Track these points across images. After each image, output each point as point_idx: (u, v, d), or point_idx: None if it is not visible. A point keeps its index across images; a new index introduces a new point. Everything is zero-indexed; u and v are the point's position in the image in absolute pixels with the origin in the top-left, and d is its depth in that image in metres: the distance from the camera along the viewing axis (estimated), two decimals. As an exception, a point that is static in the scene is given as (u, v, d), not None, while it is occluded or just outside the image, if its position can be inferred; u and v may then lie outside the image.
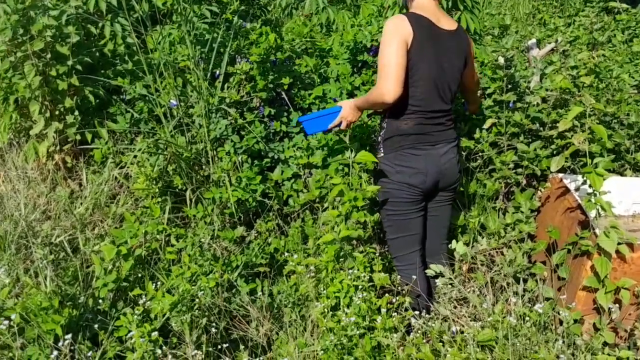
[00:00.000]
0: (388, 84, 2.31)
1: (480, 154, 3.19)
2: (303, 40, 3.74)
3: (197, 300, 2.44)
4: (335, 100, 3.41)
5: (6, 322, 2.19)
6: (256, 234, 3.21)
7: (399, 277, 2.70)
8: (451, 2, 4.17)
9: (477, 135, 3.12)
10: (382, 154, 2.59)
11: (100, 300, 2.53)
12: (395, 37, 2.35)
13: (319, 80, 3.56)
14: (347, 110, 2.65)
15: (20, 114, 3.76)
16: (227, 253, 3.04)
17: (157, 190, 3.16)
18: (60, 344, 2.13)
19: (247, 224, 3.29)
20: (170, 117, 3.39)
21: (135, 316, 2.29)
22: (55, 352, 2.08)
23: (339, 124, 2.69)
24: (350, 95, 3.45)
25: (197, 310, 2.43)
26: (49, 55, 3.50)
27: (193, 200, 3.20)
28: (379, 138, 2.61)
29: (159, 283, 2.60)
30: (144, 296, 2.42)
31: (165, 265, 2.86)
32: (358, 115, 2.67)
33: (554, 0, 7.47)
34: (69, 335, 2.14)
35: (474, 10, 4.39)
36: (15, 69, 3.54)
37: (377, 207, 3.22)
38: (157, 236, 2.95)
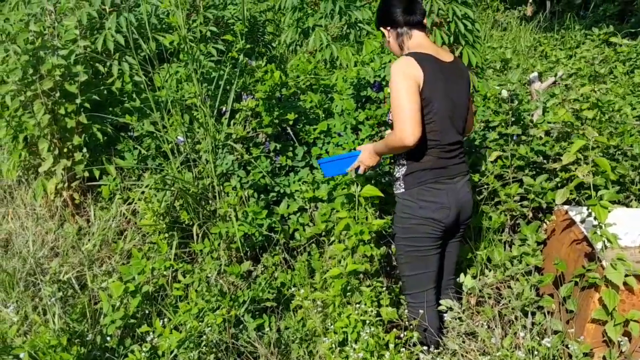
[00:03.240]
0: (407, 128, 2.32)
1: (485, 186, 3.20)
2: (308, 77, 3.80)
3: (204, 336, 2.44)
4: (340, 135, 3.45)
5: (15, 360, 2.19)
6: (263, 269, 3.21)
7: (406, 311, 2.69)
8: (452, 37, 4.24)
9: (482, 168, 3.14)
10: (403, 190, 2.57)
11: (108, 338, 2.52)
12: (406, 80, 2.36)
13: (323, 115, 3.61)
14: (365, 155, 2.66)
15: (29, 151, 3.81)
16: (234, 288, 3.05)
17: (164, 225, 3.18)
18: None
19: (253, 258, 3.30)
20: (178, 153, 3.43)
21: (143, 353, 2.28)
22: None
23: (357, 168, 2.71)
24: (355, 129, 3.49)
25: (204, 347, 2.43)
26: (57, 94, 3.56)
27: (200, 235, 3.21)
28: (398, 174, 2.59)
29: (166, 319, 2.60)
30: (151, 333, 2.42)
31: (172, 302, 2.86)
32: (377, 160, 2.68)
33: (555, 33, 7.58)
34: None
35: (476, 45, 4.45)
36: (24, 107, 3.60)
37: (383, 240, 3.25)
38: (165, 272, 2.96)
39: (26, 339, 2.31)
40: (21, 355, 2.20)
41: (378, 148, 2.61)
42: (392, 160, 2.74)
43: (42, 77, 3.51)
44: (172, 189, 3.26)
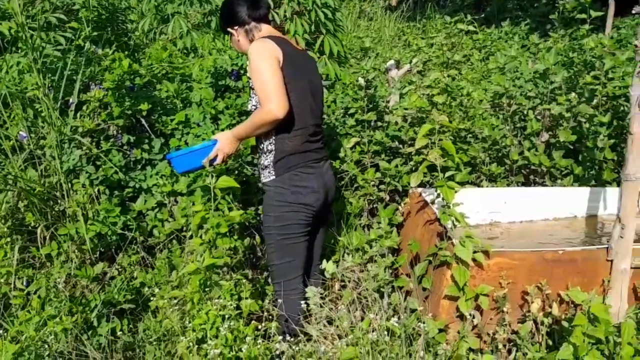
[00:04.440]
0: (275, 100, 2.31)
1: (345, 172, 3.24)
2: (162, 65, 3.64)
3: (47, 346, 2.26)
4: (199, 125, 3.33)
5: None
6: (120, 269, 3.04)
7: (268, 302, 2.66)
8: (313, 25, 4.25)
9: (342, 155, 3.17)
10: (274, 177, 2.53)
11: None
12: (267, 56, 2.37)
13: (181, 105, 3.47)
14: (224, 142, 2.55)
15: None
16: (88, 292, 2.86)
17: (5, 229, 2.91)
18: None
19: (110, 259, 3.12)
20: (20, 150, 3.16)
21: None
22: None
23: (214, 159, 2.58)
24: (214, 119, 3.39)
25: (47, 358, 2.24)
26: None
27: (47, 237, 2.98)
28: (267, 162, 2.55)
29: (2, 331, 2.38)
30: (-16, 347, 2.19)
31: (15, 311, 2.63)
32: (236, 147, 2.60)
33: (417, 22, 7.89)
34: None
35: (337, 34, 4.50)
36: None
37: (247, 232, 3.19)
38: (9, 279, 2.72)
39: None
40: None
41: (239, 131, 2.54)
42: (257, 149, 2.67)
43: None
44: (15, 189, 2.99)
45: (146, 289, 2.91)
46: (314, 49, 4.24)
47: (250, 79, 2.48)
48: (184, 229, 3.11)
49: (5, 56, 3.55)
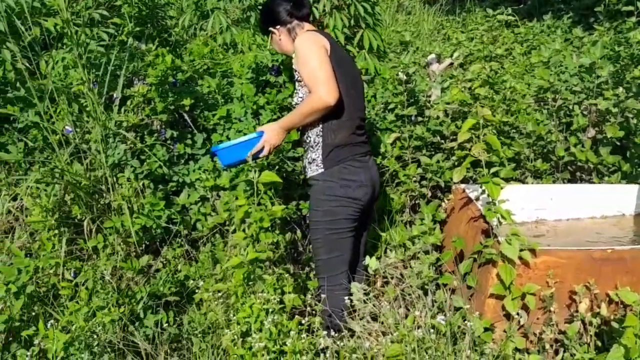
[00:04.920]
0: (326, 87, 2.31)
1: (386, 168, 3.22)
2: (204, 61, 3.67)
3: (96, 336, 2.30)
4: (240, 120, 3.35)
5: None
6: (164, 262, 3.08)
7: (311, 297, 2.65)
8: (353, 20, 4.23)
9: (382, 150, 3.15)
10: (322, 170, 2.53)
11: (-11, 344, 2.34)
12: (315, 46, 2.38)
13: (222, 100, 3.50)
14: (271, 134, 2.54)
15: None
16: (133, 284, 2.90)
17: (53, 222, 2.97)
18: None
19: (154, 252, 3.16)
20: (66, 144, 3.22)
21: (28, 357, 2.12)
22: None
23: (261, 151, 2.57)
24: (255, 114, 3.40)
25: (96, 347, 2.28)
26: None
27: (93, 230, 3.03)
28: (314, 155, 2.54)
29: (53, 321, 2.43)
30: (36, 336, 2.25)
31: (64, 302, 2.69)
32: (283, 138, 2.60)
33: (457, 15, 7.78)
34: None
35: (376, 28, 4.47)
36: None
37: (289, 226, 3.20)
38: (57, 271, 2.77)
39: None
40: None
41: (287, 122, 2.53)
42: (302, 143, 2.66)
43: None
44: (61, 182, 3.05)
45: (190, 281, 2.95)
46: (353, 43, 4.22)
47: (296, 71, 2.48)
48: (227, 223, 3.13)
49: (52, 52, 3.62)
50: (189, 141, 3.34)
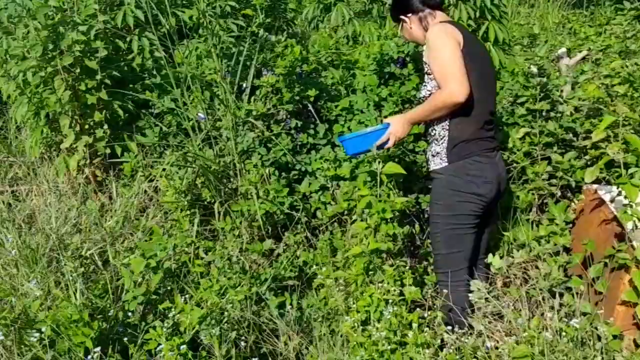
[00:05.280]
0: (457, 82, 2.28)
1: (513, 164, 3.12)
2: (329, 52, 3.73)
3: (225, 313, 2.43)
4: (362, 112, 3.38)
5: (37, 334, 2.20)
6: (284, 247, 3.19)
7: (430, 291, 2.65)
8: (478, 11, 4.13)
9: (510, 145, 3.06)
10: (446, 164, 2.50)
11: (130, 314, 2.52)
12: (449, 38, 2.34)
13: (345, 92, 3.54)
14: (397, 126, 2.56)
15: (51, 128, 3.81)
16: (256, 266, 3.03)
17: (185, 203, 3.16)
18: (89, 356, 2.12)
19: (275, 236, 3.27)
20: (198, 130, 3.40)
21: (165, 329, 2.28)
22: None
23: (385, 142, 2.60)
24: (378, 106, 3.41)
25: (225, 324, 2.41)
26: (78, 70, 3.54)
27: (221, 213, 3.19)
28: (439, 148, 2.52)
29: (187, 296, 2.59)
30: (173, 309, 2.40)
31: (194, 279, 2.85)
32: (408, 131, 2.61)
33: (584, 9, 7.36)
34: (98, 348, 2.14)
35: (502, 20, 4.34)
36: (45, 84, 3.60)
37: (407, 219, 3.19)
38: (186, 249, 2.95)
39: (49, 313, 2.31)
40: (43, 329, 2.20)
41: (414, 115, 2.53)
42: (427, 135, 2.65)
43: (62, 52, 3.50)
44: (194, 166, 3.23)
45: (308, 267, 3.02)
46: (478, 35, 4.12)
47: (426, 64, 2.46)
48: (346, 212, 3.17)
49: (187, 42, 3.83)
50: (311, 131, 3.42)
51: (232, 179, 3.29)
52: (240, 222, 3.10)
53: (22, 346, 2.32)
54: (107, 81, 3.59)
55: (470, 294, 2.50)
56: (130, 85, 3.82)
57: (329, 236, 3.14)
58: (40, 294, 2.51)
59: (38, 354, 2.24)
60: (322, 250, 3.07)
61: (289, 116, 3.42)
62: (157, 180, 3.49)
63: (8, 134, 4.60)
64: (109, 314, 2.48)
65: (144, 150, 3.71)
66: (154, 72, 3.87)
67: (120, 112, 3.66)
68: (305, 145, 3.43)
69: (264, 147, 3.29)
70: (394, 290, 2.48)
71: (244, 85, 3.48)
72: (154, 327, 2.31)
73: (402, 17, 2.61)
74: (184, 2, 4.44)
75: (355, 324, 2.44)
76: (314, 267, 2.91)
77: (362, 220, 2.79)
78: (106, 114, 3.65)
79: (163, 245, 2.69)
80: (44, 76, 3.52)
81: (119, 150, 3.67)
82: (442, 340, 2.40)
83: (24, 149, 4.18)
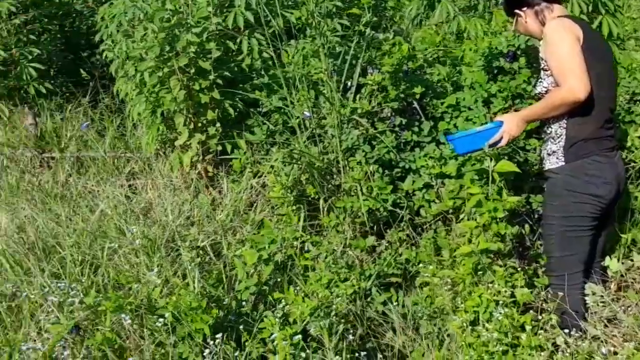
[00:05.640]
0: (577, 79, 2.21)
1: (631, 163, 2.96)
2: (435, 49, 3.69)
3: (333, 306, 2.48)
4: (470, 109, 3.32)
5: (161, 320, 2.34)
6: (387, 244, 3.20)
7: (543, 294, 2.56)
8: (591, 5, 3.95)
9: (628, 144, 2.91)
10: (563, 163, 2.43)
11: (243, 303, 2.63)
12: (568, 34, 2.28)
13: (451, 88, 3.50)
14: (511, 124, 2.50)
15: (166, 126, 4.03)
16: (360, 262, 3.06)
17: (291, 198, 3.25)
18: (210, 343, 2.24)
19: (377, 233, 3.29)
20: (304, 128, 3.48)
21: (277, 319, 2.35)
22: (207, 351, 2.20)
23: (499, 141, 2.54)
24: (486, 103, 3.34)
25: (334, 317, 2.46)
26: (192, 70, 3.72)
27: (325, 209, 3.25)
28: (555, 147, 2.46)
29: (296, 288, 2.66)
30: (283, 300, 2.48)
31: (301, 271, 2.93)
32: (523, 129, 2.55)
33: None
34: (219, 335, 2.25)
35: (616, 14, 4.13)
36: (162, 83, 3.81)
37: (517, 219, 3.10)
38: (293, 243, 3.03)
39: (168, 300, 2.46)
40: (165, 315, 2.34)
41: (530, 113, 2.47)
42: (542, 133, 2.58)
43: (177, 54, 3.69)
44: (299, 163, 3.31)
45: (410, 265, 3.02)
46: (591, 29, 3.94)
47: (543, 59, 2.39)
48: (451, 211, 3.13)
49: (294, 42, 3.92)
50: (416, 129, 3.41)
51: (335, 176, 3.34)
52: (344, 218, 3.14)
53: (145, 330, 2.49)
54: (219, 81, 3.75)
55: (586, 297, 2.40)
56: (240, 85, 3.96)
57: (433, 234, 3.12)
58: (160, 282, 2.67)
59: (161, 338, 2.39)
60: (426, 248, 3.06)
61: (393, 114, 3.43)
62: (265, 176, 3.61)
63: (125, 131, 4.91)
64: (224, 303, 2.60)
65: (252, 148, 3.84)
66: (262, 72, 4.00)
67: (231, 110, 3.81)
68: (409, 143, 3.42)
69: (368, 145, 3.31)
70: (505, 292, 2.43)
71: (349, 83, 3.52)
72: (266, 317, 2.40)
73: (517, 10, 2.55)
74: (290, 2, 4.55)
75: (464, 324, 2.42)
76: (418, 265, 2.90)
77: (470, 219, 2.74)
78: (218, 113, 3.81)
79: (273, 238, 2.78)
80: (160, 76, 3.72)
81: (229, 148, 3.83)
82: (554, 344, 2.32)
83: (140, 146, 4.44)
